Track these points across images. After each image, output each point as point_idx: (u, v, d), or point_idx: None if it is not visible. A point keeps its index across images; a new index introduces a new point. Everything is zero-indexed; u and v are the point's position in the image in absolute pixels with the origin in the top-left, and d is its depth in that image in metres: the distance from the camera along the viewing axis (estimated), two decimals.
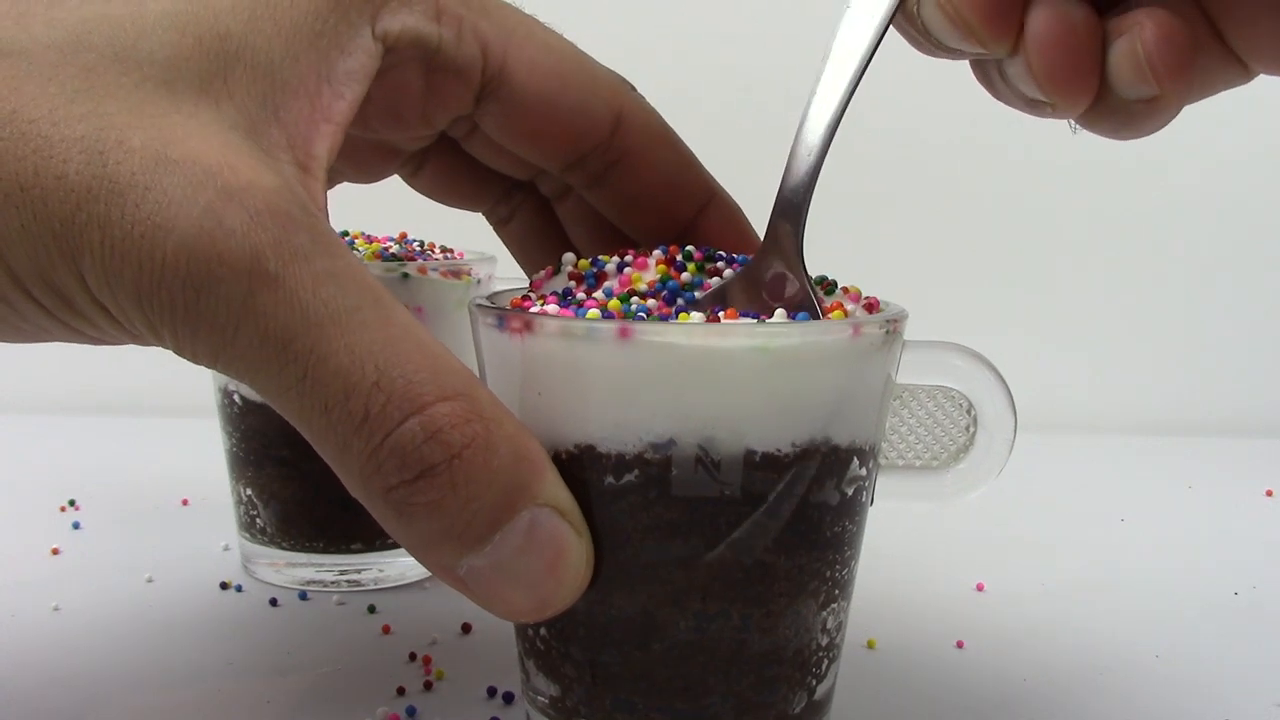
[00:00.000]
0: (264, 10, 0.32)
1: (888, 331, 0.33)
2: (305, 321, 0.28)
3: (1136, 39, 0.29)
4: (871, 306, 0.35)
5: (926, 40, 0.31)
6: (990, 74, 0.32)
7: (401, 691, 0.42)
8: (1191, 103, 0.31)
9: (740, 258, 0.37)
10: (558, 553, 0.31)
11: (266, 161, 0.30)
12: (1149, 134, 0.32)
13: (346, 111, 0.34)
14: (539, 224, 0.45)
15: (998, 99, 0.33)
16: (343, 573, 0.53)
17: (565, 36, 0.40)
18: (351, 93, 0.34)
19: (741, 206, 0.43)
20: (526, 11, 0.39)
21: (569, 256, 0.38)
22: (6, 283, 0.29)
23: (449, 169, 0.44)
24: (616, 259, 0.37)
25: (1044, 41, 0.30)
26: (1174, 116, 0.31)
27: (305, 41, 0.32)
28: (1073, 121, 0.32)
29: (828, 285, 0.37)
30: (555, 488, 0.31)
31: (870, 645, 0.47)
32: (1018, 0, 0.30)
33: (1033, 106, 0.32)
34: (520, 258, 0.46)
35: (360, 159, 0.42)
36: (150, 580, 0.54)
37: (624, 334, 0.31)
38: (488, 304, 0.35)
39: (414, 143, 0.42)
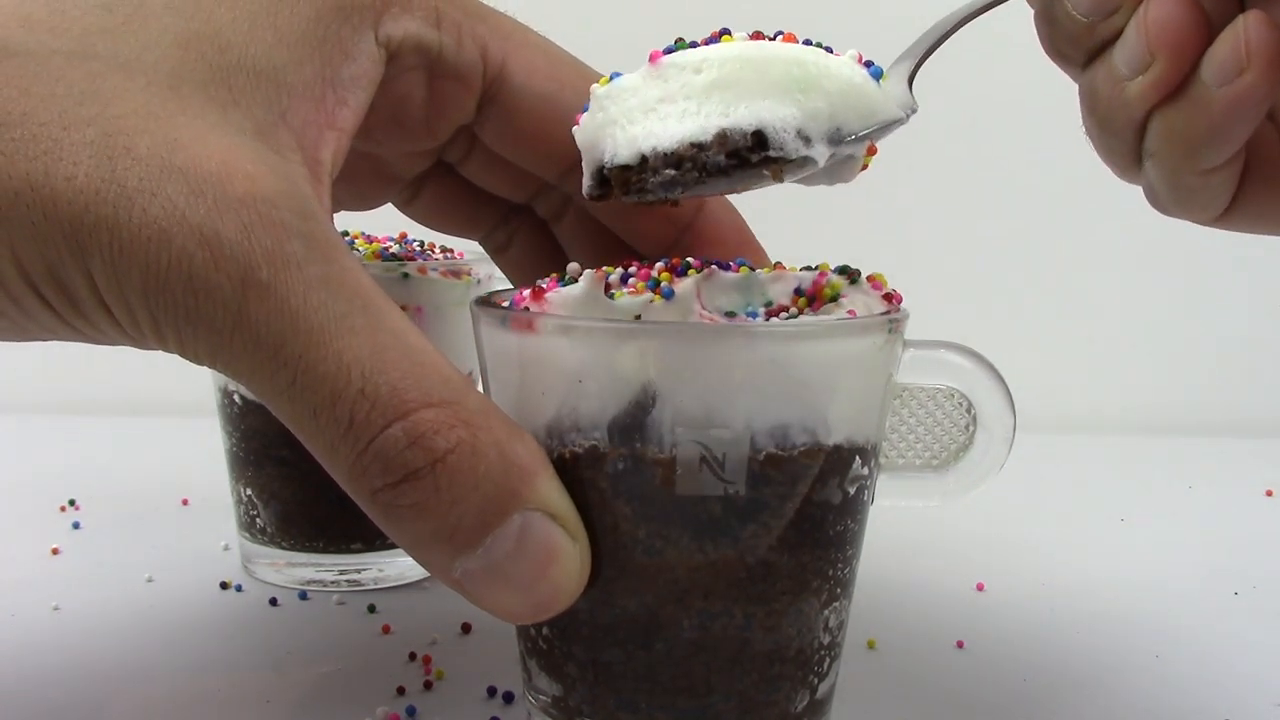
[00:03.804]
0: (264, 19, 0.32)
1: (889, 331, 0.33)
2: (295, 328, 0.29)
3: (1240, 21, 0.30)
4: (891, 297, 0.35)
5: (1064, 12, 0.33)
6: (1096, 79, 0.33)
7: (401, 691, 0.42)
8: (1246, 232, 0.34)
9: (740, 261, 0.37)
10: (549, 557, 0.31)
11: (274, 162, 0.30)
12: (1211, 195, 0.33)
13: (351, 119, 0.34)
14: (538, 247, 0.45)
15: (1092, 116, 0.34)
16: (343, 572, 0.53)
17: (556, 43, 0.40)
18: (356, 99, 0.34)
19: (738, 206, 0.43)
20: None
21: (574, 266, 0.37)
22: (16, 279, 0.29)
23: (445, 195, 0.44)
24: (620, 269, 0.36)
25: None
26: (1245, 131, 0.31)
27: (309, 48, 0.33)
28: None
29: (851, 275, 0.36)
30: (549, 491, 0.31)
31: (870, 645, 0.47)
32: None
33: (1120, 88, 0.32)
34: (520, 284, 0.46)
35: (357, 185, 0.43)
36: (150, 580, 0.54)
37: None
38: (489, 303, 0.35)
39: (414, 162, 0.42)
